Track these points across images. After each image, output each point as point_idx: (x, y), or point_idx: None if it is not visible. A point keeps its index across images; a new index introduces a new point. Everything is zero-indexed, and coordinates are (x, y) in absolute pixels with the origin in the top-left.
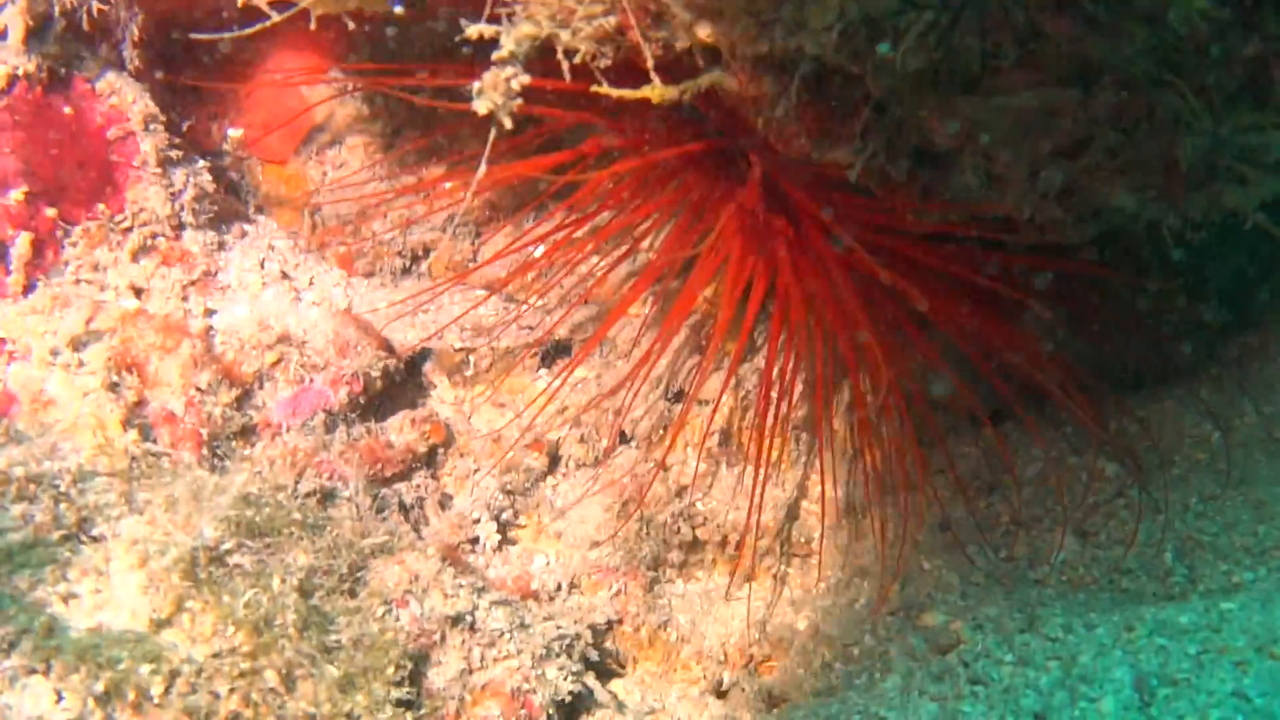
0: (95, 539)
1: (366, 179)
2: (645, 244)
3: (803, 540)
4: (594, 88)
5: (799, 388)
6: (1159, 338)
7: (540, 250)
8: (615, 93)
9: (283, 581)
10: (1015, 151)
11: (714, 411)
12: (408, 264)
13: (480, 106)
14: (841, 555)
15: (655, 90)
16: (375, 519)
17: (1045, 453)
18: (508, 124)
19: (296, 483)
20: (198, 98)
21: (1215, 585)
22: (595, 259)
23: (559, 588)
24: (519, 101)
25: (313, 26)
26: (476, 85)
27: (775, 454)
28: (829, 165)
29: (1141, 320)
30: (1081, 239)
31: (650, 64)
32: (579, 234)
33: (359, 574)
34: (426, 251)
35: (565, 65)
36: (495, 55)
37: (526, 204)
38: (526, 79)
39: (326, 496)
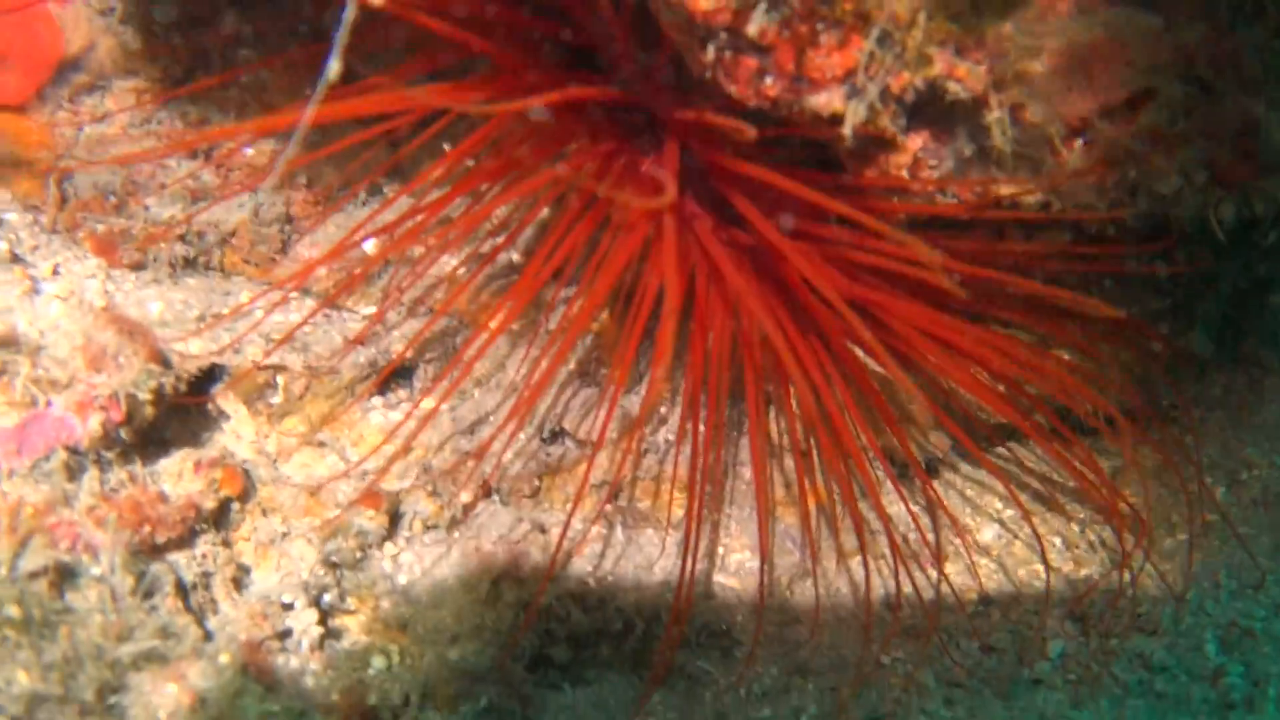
0: None
1: (139, 136)
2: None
3: (722, 628)
4: None
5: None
6: (1144, 368)
7: (373, 246)
8: None
9: None
10: (1048, 108)
11: (624, 460)
12: (193, 254)
13: None
14: (773, 646)
15: None
16: (141, 608)
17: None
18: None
19: (16, 557)
20: None
21: None
22: (448, 258)
23: (407, 702)
24: None
25: None
26: None
27: (679, 513)
28: (796, 120)
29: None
30: (1114, 231)
31: None
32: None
33: (114, 700)
34: (221, 238)
35: None
36: None
37: (355, 182)
38: None
39: (66, 576)
